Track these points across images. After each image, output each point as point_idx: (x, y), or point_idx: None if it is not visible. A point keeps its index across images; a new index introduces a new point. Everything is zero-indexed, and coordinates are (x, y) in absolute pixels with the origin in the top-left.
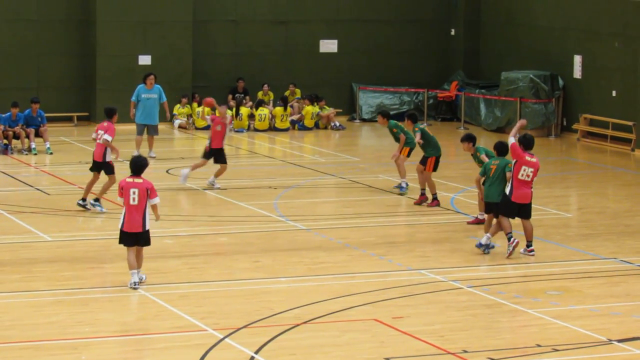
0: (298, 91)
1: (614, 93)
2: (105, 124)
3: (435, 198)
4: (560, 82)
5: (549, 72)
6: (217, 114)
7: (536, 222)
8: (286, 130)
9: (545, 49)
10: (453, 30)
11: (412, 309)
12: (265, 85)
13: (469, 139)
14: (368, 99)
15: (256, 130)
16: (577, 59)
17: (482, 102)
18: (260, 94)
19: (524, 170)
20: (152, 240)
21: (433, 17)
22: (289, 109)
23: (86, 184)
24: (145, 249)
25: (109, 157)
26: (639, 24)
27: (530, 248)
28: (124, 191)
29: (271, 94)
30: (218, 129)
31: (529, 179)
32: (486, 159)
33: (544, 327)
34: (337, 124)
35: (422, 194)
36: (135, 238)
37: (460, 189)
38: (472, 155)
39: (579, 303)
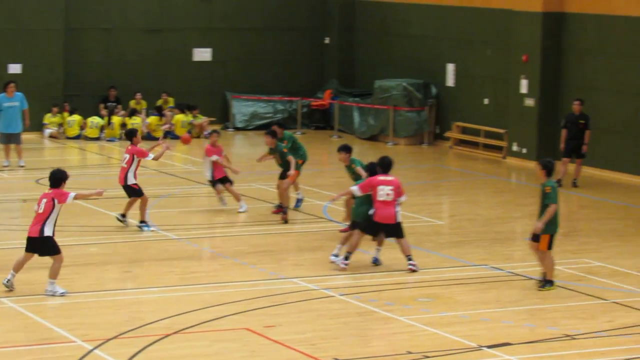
0: (171, 100)
1: (486, 101)
2: (129, 147)
3: (285, 211)
4: (434, 90)
5: (423, 81)
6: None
7: (409, 230)
8: (158, 139)
9: (419, 58)
10: (327, 38)
11: (283, 317)
12: (138, 94)
13: (346, 149)
14: (241, 108)
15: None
16: (450, 68)
17: (356, 110)
18: (132, 103)
19: (381, 190)
20: (22, 251)
21: (307, 25)
22: (155, 118)
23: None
24: (9, 259)
25: (131, 180)
26: (510, 32)
27: (411, 262)
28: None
29: (144, 103)
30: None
31: (391, 198)
32: (362, 172)
33: (414, 334)
34: (210, 132)
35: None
36: (31, 243)
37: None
38: (346, 166)
39: (450, 310)
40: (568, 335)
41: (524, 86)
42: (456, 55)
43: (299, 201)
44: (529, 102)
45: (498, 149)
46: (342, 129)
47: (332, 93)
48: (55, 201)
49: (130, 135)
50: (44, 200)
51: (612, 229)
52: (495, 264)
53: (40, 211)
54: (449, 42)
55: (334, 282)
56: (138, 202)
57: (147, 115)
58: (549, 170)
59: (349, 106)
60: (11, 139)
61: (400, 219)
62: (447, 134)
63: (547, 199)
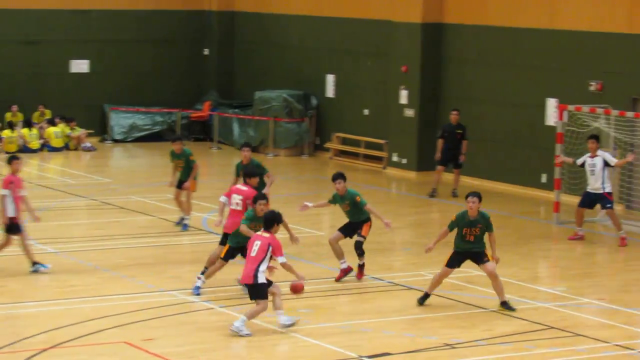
0: (48, 112)
1: (366, 112)
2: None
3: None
4: (314, 101)
5: (303, 92)
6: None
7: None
8: (36, 151)
9: (299, 69)
10: (206, 50)
11: (162, 330)
12: (14, 107)
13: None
14: (120, 120)
15: (7, 152)
16: (330, 78)
17: (236, 121)
18: (9, 116)
19: (234, 198)
20: None
21: (186, 37)
22: (35, 129)
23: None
24: None
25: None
26: (390, 43)
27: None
28: None
29: (20, 115)
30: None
31: (240, 208)
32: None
33: (295, 345)
34: (88, 145)
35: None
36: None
37: (212, 209)
38: (340, 196)
39: (330, 320)
40: (448, 345)
41: (403, 97)
42: (336, 66)
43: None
44: (409, 112)
45: (378, 159)
46: (222, 140)
47: (212, 104)
48: None
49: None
50: None
51: None
52: (375, 274)
53: None
54: (329, 53)
55: (213, 294)
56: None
57: (22, 127)
58: None
59: (229, 117)
60: None
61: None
62: (327, 145)
63: None
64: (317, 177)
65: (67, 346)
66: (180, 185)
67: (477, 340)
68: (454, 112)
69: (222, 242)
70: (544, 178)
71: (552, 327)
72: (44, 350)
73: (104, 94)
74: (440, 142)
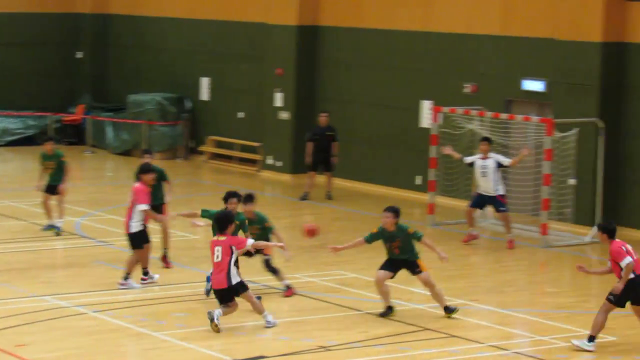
0: None
1: (241, 115)
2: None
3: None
4: (188, 104)
5: (177, 95)
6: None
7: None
8: None
9: (173, 72)
10: (79, 52)
11: (34, 336)
12: None
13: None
14: None
15: None
16: (205, 81)
17: (109, 125)
18: None
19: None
20: None
21: (59, 40)
22: None
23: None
24: None
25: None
26: (265, 45)
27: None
28: None
29: None
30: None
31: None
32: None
33: (169, 349)
34: None
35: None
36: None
37: (86, 213)
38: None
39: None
40: (323, 347)
41: (278, 99)
42: (211, 69)
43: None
44: (284, 115)
45: (253, 162)
46: (95, 144)
47: (85, 108)
48: None
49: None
50: None
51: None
52: (249, 278)
53: None
54: (204, 55)
55: (86, 299)
56: None
57: None
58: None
59: (102, 121)
60: None
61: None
62: (202, 148)
63: None
64: (191, 180)
65: None
66: (50, 189)
67: (352, 343)
68: (324, 115)
69: None
70: (418, 180)
71: (427, 329)
72: None
73: None
74: (309, 146)
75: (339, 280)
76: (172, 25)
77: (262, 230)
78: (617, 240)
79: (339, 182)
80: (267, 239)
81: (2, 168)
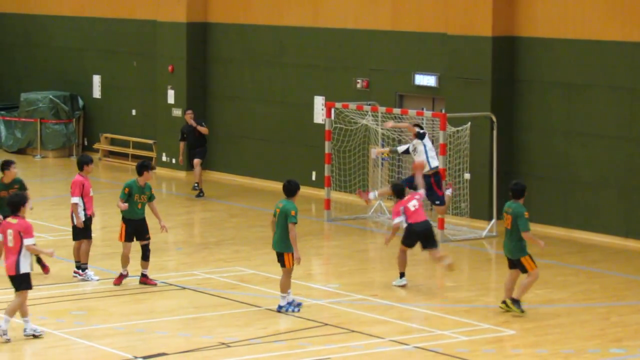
0: None
1: (133, 112)
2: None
3: None
4: (80, 102)
5: (69, 93)
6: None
7: (65, 243)
8: None
9: (65, 70)
10: None
11: None
12: None
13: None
14: None
15: None
16: (96, 79)
17: (2, 123)
18: None
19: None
20: None
21: None
22: None
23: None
24: None
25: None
26: (156, 43)
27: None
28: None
29: None
30: None
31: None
32: None
33: (69, 347)
34: None
35: None
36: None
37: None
38: None
39: (104, 322)
40: (223, 343)
41: (170, 96)
42: (102, 67)
43: None
44: (177, 112)
45: (148, 159)
46: None
47: None
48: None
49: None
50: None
51: (262, 237)
52: (148, 274)
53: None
54: (94, 53)
55: None
56: None
57: None
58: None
59: None
60: None
61: None
62: (96, 146)
63: None
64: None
65: None
66: None
67: (252, 339)
68: (189, 112)
69: None
70: (314, 175)
71: (327, 324)
72: None
73: None
74: (182, 145)
75: (237, 277)
76: (60, 23)
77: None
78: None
79: (234, 178)
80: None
81: None
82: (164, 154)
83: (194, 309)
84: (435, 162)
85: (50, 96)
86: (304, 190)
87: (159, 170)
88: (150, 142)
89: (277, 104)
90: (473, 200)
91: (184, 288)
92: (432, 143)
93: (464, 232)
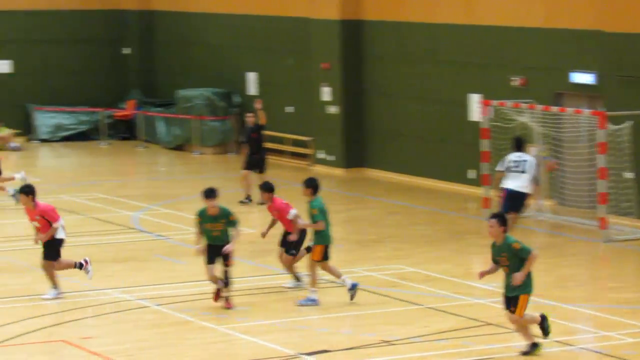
0: None
1: (289, 109)
2: None
3: None
4: (237, 99)
5: (225, 90)
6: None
7: None
8: None
9: (219, 67)
10: (127, 49)
11: (100, 329)
12: None
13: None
14: (45, 119)
15: None
16: (251, 76)
17: (160, 120)
18: None
19: None
20: None
21: (104, 36)
22: None
23: None
24: None
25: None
26: (309, 40)
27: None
28: None
29: None
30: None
31: None
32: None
33: (231, 342)
34: (15, 144)
35: None
36: None
37: (142, 207)
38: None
39: (266, 318)
40: (385, 341)
41: (325, 94)
42: (257, 64)
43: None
44: (333, 109)
45: (304, 156)
46: (147, 139)
47: (136, 103)
48: None
49: None
50: None
51: (422, 235)
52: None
53: None
54: (249, 50)
55: (148, 292)
56: None
57: None
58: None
59: (153, 116)
60: None
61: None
62: None
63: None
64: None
65: (4, 345)
66: None
67: (414, 337)
68: (249, 115)
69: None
70: (471, 174)
71: (489, 324)
72: None
73: (27, 94)
74: (244, 148)
75: (398, 275)
76: (215, 21)
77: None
78: None
79: (391, 176)
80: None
81: (57, 163)
82: (321, 151)
83: (356, 306)
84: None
85: (207, 93)
86: (460, 188)
87: (317, 168)
88: (307, 139)
89: (432, 101)
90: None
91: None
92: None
93: (629, 233)
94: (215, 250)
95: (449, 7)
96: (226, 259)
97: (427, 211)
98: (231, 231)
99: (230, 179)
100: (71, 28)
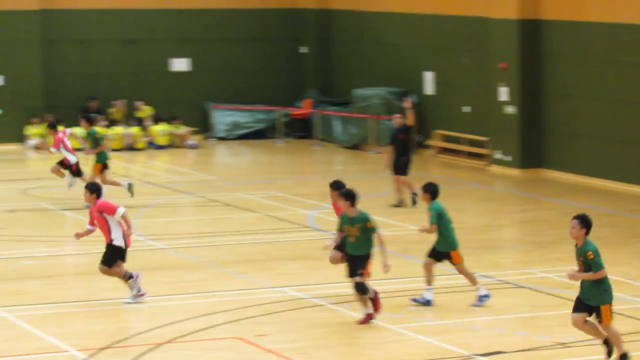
0: (148, 109)
1: (466, 109)
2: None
3: None
4: (413, 98)
5: (401, 89)
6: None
7: (395, 238)
8: (142, 149)
9: (396, 66)
10: (304, 48)
11: (274, 326)
12: (118, 102)
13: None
14: (222, 117)
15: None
16: (429, 76)
17: (336, 119)
18: (115, 113)
19: None
20: (12, 261)
21: (283, 35)
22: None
23: None
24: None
25: None
26: (487, 40)
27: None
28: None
29: (122, 111)
30: None
31: None
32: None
33: (405, 342)
34: (192, 142)
35: None
36: None
37: (317, 206)
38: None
39: (440, 318)
40: (560, 343)
41: (503, 94)
42: (434, 63)
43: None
44: (510, 109)
45: (481, 156)
46: (324, 138)
47: (313, 102)
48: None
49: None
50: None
51: (601, 236)
52: (484, 272)
53: None
54: (426, 50)
55: (322, 291)
56: None
57: (128, 125)
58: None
59: (329, 115)
60: None
61: None
62: (429, 142)
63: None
64: (420, 174)
65: (180, 341)
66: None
67: (589, 340)
68: (397, 116)
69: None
70: None
71: None
72: (159, 345)
73: (205, 92)
74: (389, 149)
75: None
76: (392, 20)
77: (364, 231)
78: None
79: (571, 177)
80: (369, 241)
81: (234, 161)
82: (498, 152)
83: (531, 307)
84: None
85: (383, 92)
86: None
87: (493, 168)
88: (483, 139)
89: (612, 102)
90: None
91: (521, 287)
92: None
93: None
94: (354, 261)
95: (630, 7)
96: (360, 267)
97: (606, 213)
98: (373, 239)
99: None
100: (249, 27)
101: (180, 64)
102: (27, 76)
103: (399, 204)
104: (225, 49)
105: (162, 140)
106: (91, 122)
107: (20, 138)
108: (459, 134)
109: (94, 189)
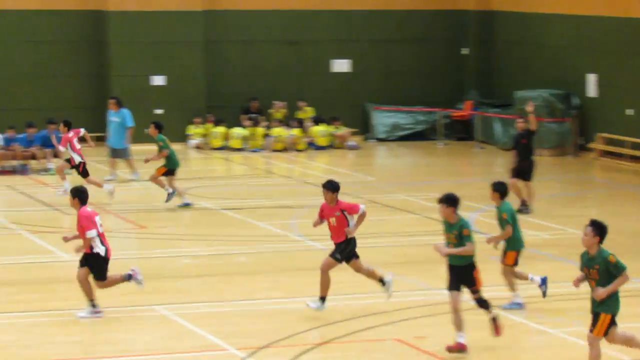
0: (310, 110)
1: (630, 112)
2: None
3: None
4: (575, 101)
5: (563, 91)
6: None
7: (555, 242)
8: (302, 150)
9: (558, 68)
10: (465, 49)
11: (433, 328)
12: (279, 103)
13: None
14: (382, 119)
15: (273, 150)
16: (592, 78)
17: (497, 121)
18: (275, 113)
19: None
20: (172, 260)
21: (444, 36)
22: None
23: None
24: (166, 268)
25: None
26: None
27: None
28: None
29: (283, 111)
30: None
31: None
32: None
33: (566, 347)
34: (353, 143)
35: None
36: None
37: (478, 208)
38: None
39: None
40: None
41: None
42: (597, 65)
43: (169, 195)
44: None
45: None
46: (484, 140)
47: (473, 104)
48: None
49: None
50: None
51: None
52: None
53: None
54: (588, 52)
55: (485, 293)
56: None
57: (289, 125)
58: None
59: (489, 117)
60: (116, 153)
61: None
62: (591, 145)
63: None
64: (581, 177)
65: (339, 342)
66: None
67: None
68: (519, 120)
69: None
70: None
71: None
72: (318, 345)
73: (365, 93)
74: (513, 154)
75: None
76: (555, 21)
77: (459, 239)
78: None
79: None
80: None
81: (394, 163)
82: None
83: None
84: None
85: (545, 94)
86: None
87: None
88: None
89: None
90: None
91: None
92: None
93: None
94: (457, 273)
95: None
96: (471, 284)
97: None
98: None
99: (565, 182)
100: (410, 28)
101: (341, 65)
102: (189, 77)
103: (523, 208)
104: (386, 50)
105: (322, 141)
106: (160, 128)
107: (182, 138)
108: (621, 137)
109: (76, 194)
